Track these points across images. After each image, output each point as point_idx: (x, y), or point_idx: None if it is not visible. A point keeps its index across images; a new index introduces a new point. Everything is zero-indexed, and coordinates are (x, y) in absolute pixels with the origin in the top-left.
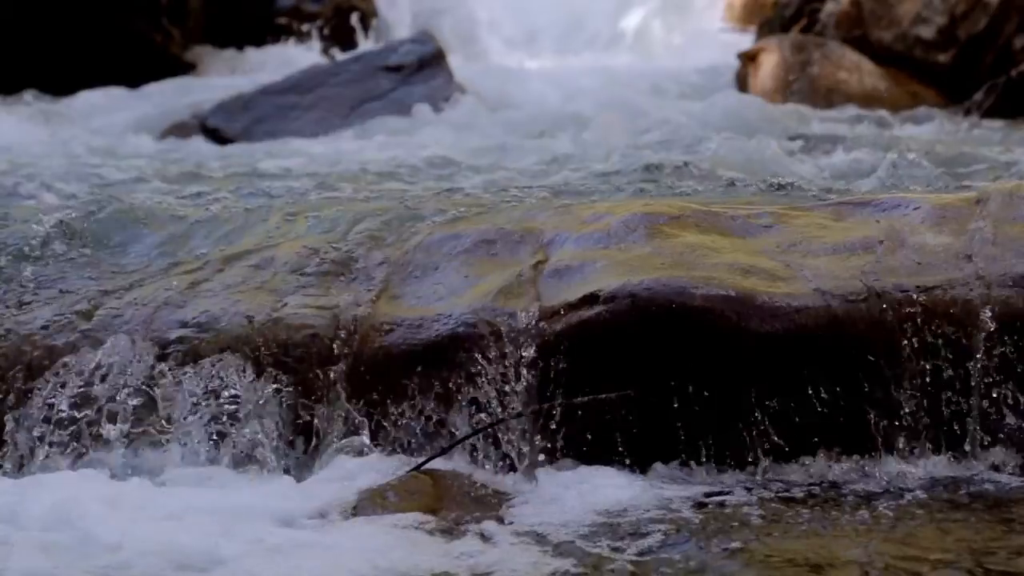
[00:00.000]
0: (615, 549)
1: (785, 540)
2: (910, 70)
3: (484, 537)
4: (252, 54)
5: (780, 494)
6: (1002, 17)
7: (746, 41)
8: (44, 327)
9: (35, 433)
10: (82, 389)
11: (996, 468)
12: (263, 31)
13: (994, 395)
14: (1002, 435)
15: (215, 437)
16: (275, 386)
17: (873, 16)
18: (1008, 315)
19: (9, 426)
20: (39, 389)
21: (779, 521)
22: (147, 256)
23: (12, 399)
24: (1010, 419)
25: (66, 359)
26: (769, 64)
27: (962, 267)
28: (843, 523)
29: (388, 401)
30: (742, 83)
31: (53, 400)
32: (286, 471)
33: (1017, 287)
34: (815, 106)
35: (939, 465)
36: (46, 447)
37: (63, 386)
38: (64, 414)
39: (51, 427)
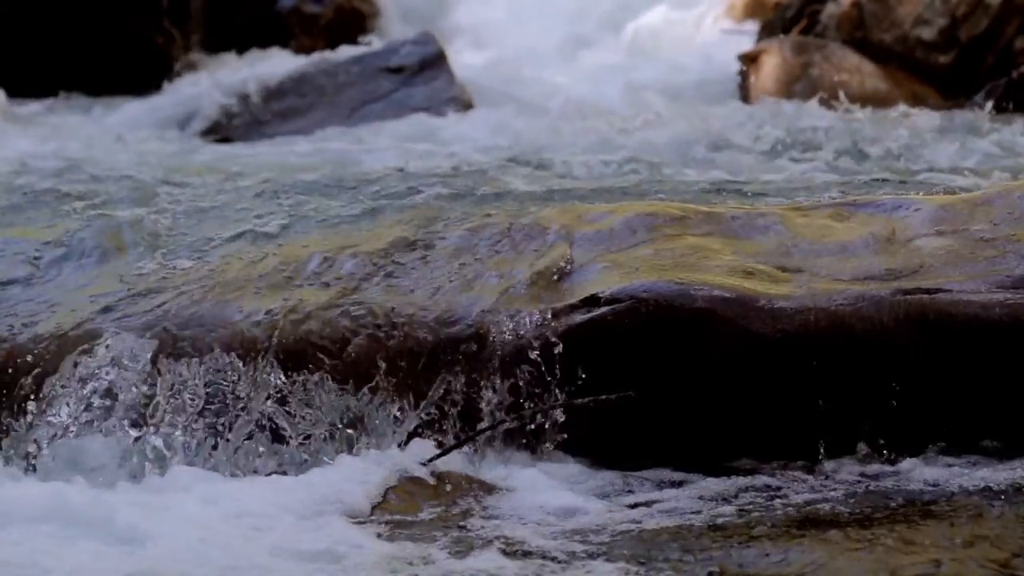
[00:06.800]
0: (611, 550)
1: (796, 542)
2: (911, 71)
3: (483, 537)
4: (253, 56)
5: (783, 495)
6: (1003, 19)
7: (747, 42)
8: (77, 325)
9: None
10: (112, 385)
11: None
12: (264, 33)
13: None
14: None
15: (220, 431)
16: (288, 384)
17: (874, 18)
18: (1010, 317)
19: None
20: (76, 383)
21: (787, 524)
22: (152, 258)
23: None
24: None
25: (98, 354)
26: (770, 65)
27: (963, 269)
28: (869, 527)
29: (399, 400)
30: (743, 84)
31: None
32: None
33: (1019, 289)
34: (816, 107)
35: (958, 466)
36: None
37: (94, 378)
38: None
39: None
